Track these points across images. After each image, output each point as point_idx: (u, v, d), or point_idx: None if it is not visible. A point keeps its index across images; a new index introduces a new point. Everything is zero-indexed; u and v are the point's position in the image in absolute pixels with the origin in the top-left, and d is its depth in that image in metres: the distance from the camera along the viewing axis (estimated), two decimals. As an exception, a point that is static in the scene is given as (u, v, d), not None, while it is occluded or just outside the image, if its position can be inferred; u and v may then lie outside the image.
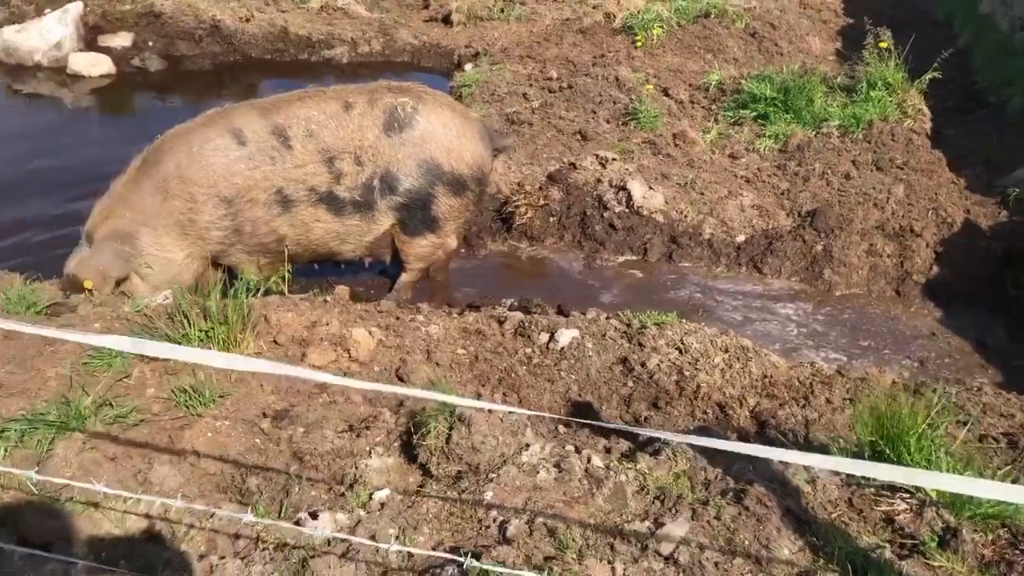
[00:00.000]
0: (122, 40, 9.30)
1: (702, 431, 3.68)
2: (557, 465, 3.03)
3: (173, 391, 3.46)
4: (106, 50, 9.13)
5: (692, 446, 3.23)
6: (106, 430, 3.17)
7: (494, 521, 2.76)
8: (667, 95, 8.09)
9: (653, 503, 2.90)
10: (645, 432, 2.94)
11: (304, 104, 4.66)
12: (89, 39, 9.23)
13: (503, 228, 6.32)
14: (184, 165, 4.51)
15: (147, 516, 2.69)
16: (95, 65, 8.84)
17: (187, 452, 3.13)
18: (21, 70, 8.97)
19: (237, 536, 2.66)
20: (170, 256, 4.68)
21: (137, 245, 4.60)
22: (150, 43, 9.40)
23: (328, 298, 4.68)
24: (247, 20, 9.78)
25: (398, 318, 4.43)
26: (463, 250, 6.10)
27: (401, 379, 3.88)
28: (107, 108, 8.73)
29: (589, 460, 3.08)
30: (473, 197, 5.08)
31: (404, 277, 5.32)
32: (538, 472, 2.98)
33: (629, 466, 3.07)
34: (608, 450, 3.32)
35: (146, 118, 8.44)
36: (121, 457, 3.07)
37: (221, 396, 3.46)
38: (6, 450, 2.93)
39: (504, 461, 3.04)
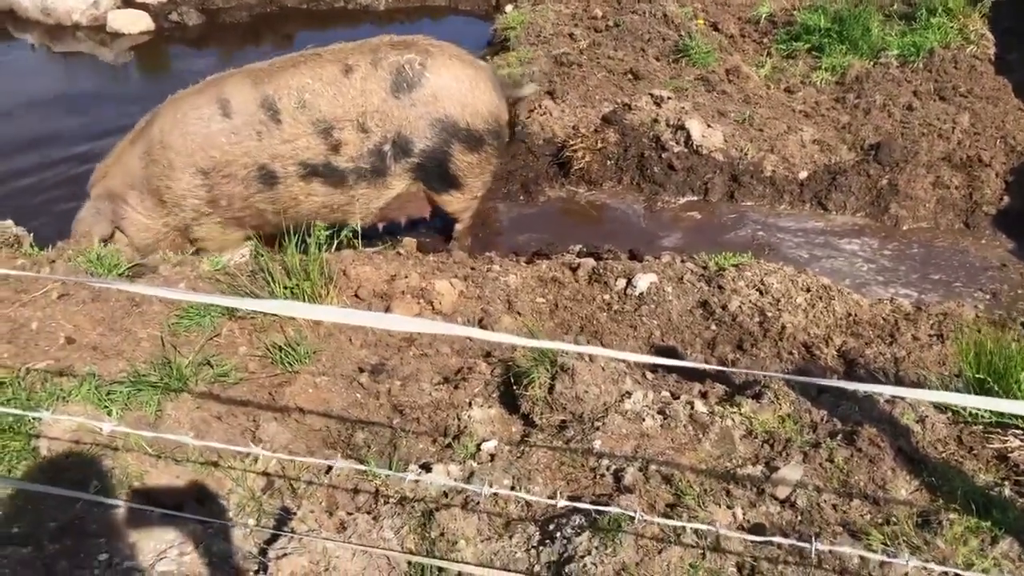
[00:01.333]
0: (158, -5, 9.22)
1: (793, 372, 3.65)
2: (661, 412, 3.02)
3: (267, 348, 3.48)
4: (143, 6, 9.04)
5: (790, 385, 3.21)
6: (209, 389, 3.20)
7: (607, 470, 2.77)
8: (717, 29, 7.89)
9: (762, 447, 2.90)
10: (755, 374, 2.90)
11: (299, 71, 4.38)
12: (126, -5, 9.15)
13: (560, 173, 6.25)
14: (167, 131, 4.38)
15: (266, 474, 2.72)
16: (134, 22, 8.77)
17: (290, 408, 3.16)
18: (60, 30, 8.91)
19: (356, 491, 2.68)
20: (149, 222, 4.57)
21: (123, 207, 4.52)
22: (187, -4, 9.32)
23: (400, 251, 4.67)
24: (282, -31, 9.63)
25: (474, 268, 4.41)
26: (521, 197, 6.06)
27: (486, 329, 3.88)
28: (147, 65, 8.68)
29: (692, 406, 3.07)
30: (493, 151, 4.84)
31: (457, 227, 5.26)
32: (643, 419, 2.98)
33: (732, 410, 3.05)
34: (704, 395, 3.31)
35: (185, 74, 8.39)
36: (227, 416, 3.10)
37: (315, 352, 3.47)
38: (118, 412, 2.97)
39: (607, 409, 3.03)
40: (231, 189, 4.46)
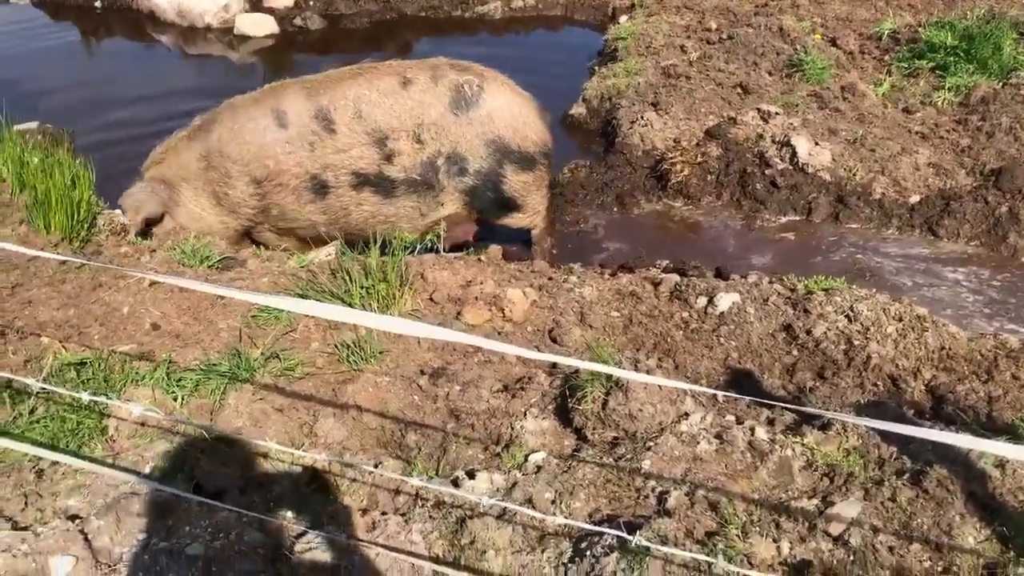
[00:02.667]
0: (284, 0, 9.58)
1: (873, 405, 3.47)
2: (718, 436, 2.92)
3: (336, 346, 3.56)
4: (270, 10, 9.44)
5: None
6: (274, 382, 3.29)
7: (652, 491, 2.69)
8: (835, 45, 7.61)
9: (821, 480, 2.75)
10: (826, 414, 2.76)
11: (356, 82, 4.46)
12: (255, 0, 9.56)
13: (657, 186, 6.14)
14: (225, 140, 4.51)
15: (313, 468, 2.77)
16: (259, 25, 9.16)
17: (350, 406, 3.21)
18: (193, 32, 9.42)
19: (398, 492, 2.70)
20: (204, 216, 4.70)
21: (176, 196, 4.68)
22: (311, 2, 9.65)
23: (482, 257, 4.69)
24: (403, -22, 9.88)
25: (551, 278, 4.39)
26: (615, 208, 5.99)
27: (554, 341, 3.85)
28: (270, 67, 9.05)
29: (752, 432, 2.95)
30: (543, 172, 4.85)
31: (534, 234, 5.25)
32: (698, 442, 2.89)
33: (795, 440, 2.92)
34: (771, 422, 3.17)
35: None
36: (288, 409, 3.18)
37: (381, 352, 3.52)
38: (183, 398, 3.09)
39: (662, 430, 2.95)
40: (282, 198, 4.57)
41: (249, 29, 9.12)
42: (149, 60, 8.93)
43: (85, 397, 2.17)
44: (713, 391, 2.10)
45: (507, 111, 4.59)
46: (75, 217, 4.33)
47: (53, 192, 4.26)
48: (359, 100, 4.42)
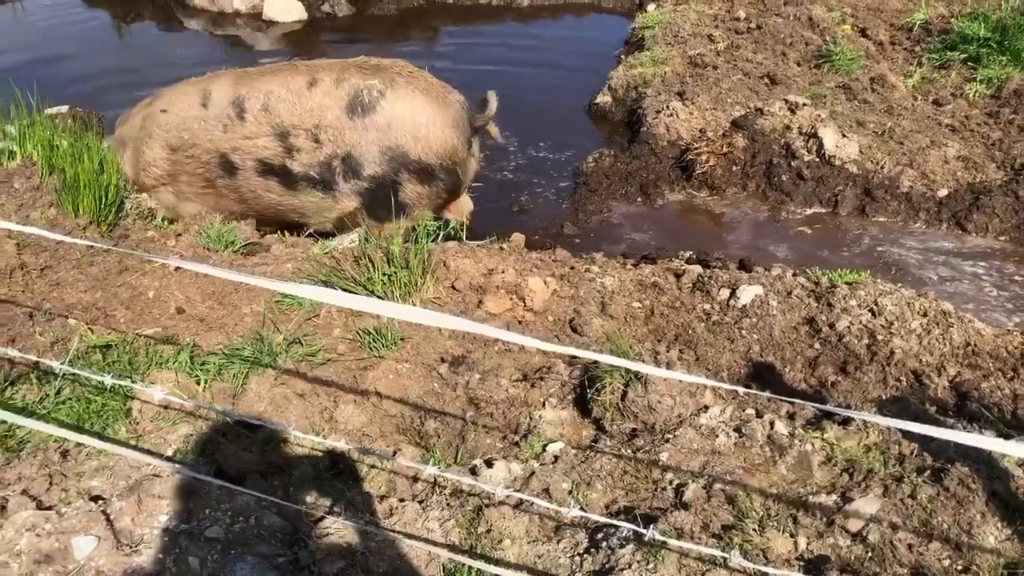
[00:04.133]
0: (313, -13, 9.62)
1: (895, 401, 3.44)
2: (737, 429, 2.91)
3: (358, 332, 3.58)
4: (298, -4, 9.47)
5: (885, 417, 3.02)
6: (296, 367, 3.32)
7: (670, 483, 2.69)
8: (865, 36, 7.52)
9: (841, 476, 2.74)
10: (841, 412, 2.75)
11: (274, 78, 4.64)
12: (283, -14, 9.59)
13: (682, 176, 6.12)
14: (160, 107, 4.83)
15: (332, 453, 2.79)
16: (288, 11, 9.19)
17: (370, 392, 3.23)
18: (222, 17, 9.46)
19: (415, 479, 2.72)
20: (127, 171, 4.91)
21: (123, 153, 4.95)
22: (338, -11, 9.67)
23: (504, 246, 4.69)
24: (430, -36, 9.86)
25: (572, 268, 4.39)
26: (639, 198, 5.96)
27: (575, 330, 3.84)
28: (297, 52, 9.07)
29: (772, 426, 2.94)
30: (444, 184, 4.75)
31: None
32: (717, 435, 2.88)
33: (815, 435, 2.91)
34: (792, 416, 3.16)
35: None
36: (309, 394, 3.21)
37: (402, 339, 3.54)
38: (206, 382, 3.12)
39: (681, 422, 2.95)
40: (192, 168, 4.79)
41: (277, 15, 9.15)
42: (178, 45, 8.98)
43: (108, 380, 2.20)
44: (732, 387, 2.09)
45: (408, 119, 4.54)
46: (103, 201, 4.38)
47: (82, 176, 4.31)
48: (269, 95, 4.58)
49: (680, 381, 2.99)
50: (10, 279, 3.89)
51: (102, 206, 4.38)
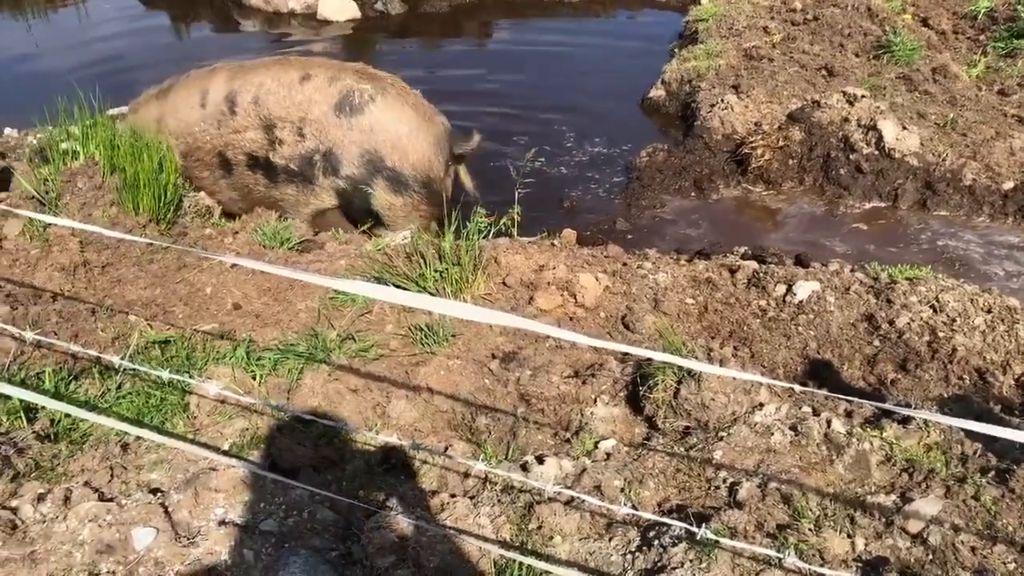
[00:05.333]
0: (366, -15, 9.70)
1: (958, 399, 3.34)
2: (793, 428, 2.86)
3: (410, 328, 3.60)
4: (352, -5, 9.56)
5: (947, 416, 2.94)
6: (349, 363, 3.35)
7: (724, 482, 2.65)
8: (926, 25, 7.34)
9: (900, 476, 2.67)
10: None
11: (266, 71, 4.71)
12: (337, -15, 9.68)
13: (737, 171, 6.03)
14: (168, 111, 4.94)
15: (385, 448, 2.81)
16: (341, 10, 9.28)
17: (421, 388, 3.25)
18: (277, 16, 9.60)
19: (467, 474, 2.72)
20: None
21: None
22: (391, -14, 9.74)
23: (556, 242, 4.67)
24: (483, -39, 9.87)
25: (625, 264, 4.35)
26: (693, 193, 5.89)
27: (627, 327, 3.82)
28: (352, 51, 9.16)
29: (829, 424, 2.88)
30: (416, 199, 4.74)
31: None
32: (772, 434, 2.83)
33: (874, 433, 2.84)
34: (849, 414, 3.09)
35: (387, 58, 8.79)
36: (362, 389, 3.23)
37: (454, 335, 3.55)
38: (261, 377, 3.16)
39: (735, 420, 2.90)
40: (200, 173, 4.91)
41: (331, 14, 9.25)
42: (235, 44, 9.12)
43: (165, 375, 2.25)
44: (787, 384, 2.05)
45: (391, 127, 4.59)
46: (162, 199, 4.47)
47: (142, 175, 4.41)
48: (260, 87, 4.66)
49: (734, 379, 2.95)
50: (74, 276, 3.99)
51: (161, 204, 4.47)
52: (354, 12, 9.30)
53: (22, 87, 7.93)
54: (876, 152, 5.77)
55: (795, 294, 4.04)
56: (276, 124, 4.66)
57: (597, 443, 2.91)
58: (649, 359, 3.46)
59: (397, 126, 4.60)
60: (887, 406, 2.46)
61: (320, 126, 4.60)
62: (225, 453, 2.67)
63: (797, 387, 2.25)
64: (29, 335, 2.48)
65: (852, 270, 4.33)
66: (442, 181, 4.73)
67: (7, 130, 6.26)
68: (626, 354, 3.58)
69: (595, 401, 3.12)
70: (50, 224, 4.33)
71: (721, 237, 5.34)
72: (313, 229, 4.81)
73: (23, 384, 3.10)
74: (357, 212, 4.83)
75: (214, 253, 3.75)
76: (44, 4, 10.60)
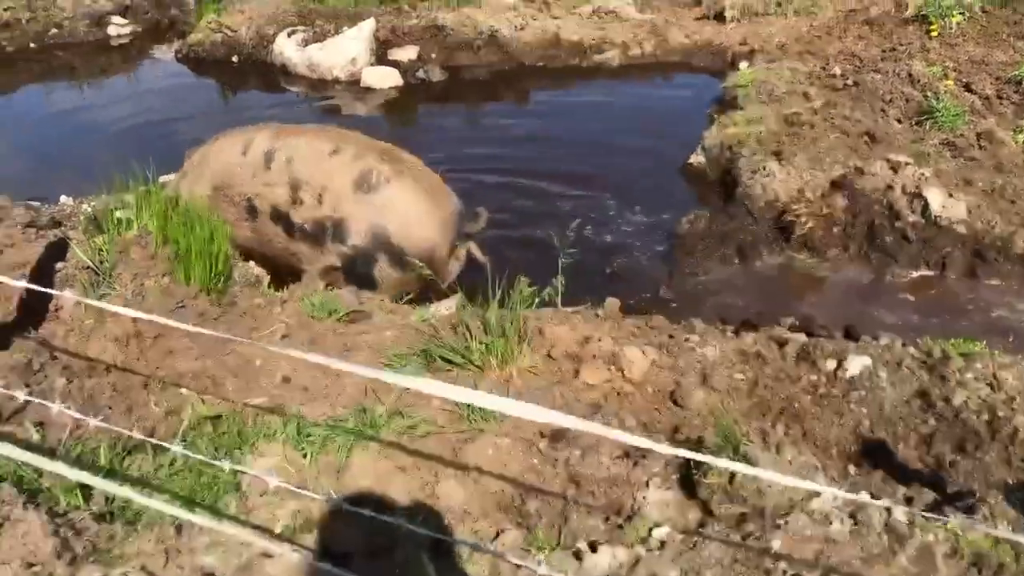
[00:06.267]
0: (408, 53, 9.90)
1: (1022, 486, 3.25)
2: (852, 516, 2.79)
3: (457, 404, 3.58)
4: (394, 63, 9.77)
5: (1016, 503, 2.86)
6: (397, 439, 3.34)
7: (783, 574, 2.59)
8: (969, 90, 7.31)
9: (968, 571, 2.59)
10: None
11: (304, 138, 5.18)
12: (380, 53, 9.91)
13: (780, 238, 6.01)
14: (212, 152, 5.49)
15: (434, 533, 2.78)
16: (384, 78, 9.48)
17: (470, 467, 3.22)
18: (322, 84, 9.83)
19: (519, 565, 2.68)
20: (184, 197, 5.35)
21: (183, 183, 5.58)
22: (432, 55, 9.94)
23: (599, 312, 4.66)
24: (522, 28, 10.07)
25: (671, 336, 4.32)
26: (736, 260, 5.87)
27: (676, 403, 3.77)
28: (393, 116, 9.33)
29: (889, 513, 2.81)
30: (416, 278, 4.93)
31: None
32: (831, 522, 2.76)
33: (937, 524, 2.76)
34: (909, 500, 3.02)
35: (428, 124, 8.95)
36: (410, 468, 3.22)
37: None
38: (312, 455, 3.17)
39: (792, 507, 2.84)
40: (227, 212, 5.26)
41: (375, 82, 9.45)
42: (281, 111, 9.33)
43: (227, 466, 2.25)
44: (847, 474, 2.01)
45: (401, 209, 4.93)
46: (213, 270, 4.54)
47: (194, 246, 4.49)
48: (296, 150, 5.12)
49: (790, 462, 2.89)
50: (127, 347, 4.05)
51: (212, 275, 4.54)
52: (396, 80, 9.50)
53: (77, 153, 8.17)
54: (922, 220, 5.73)
55: (846, 369, 3.97)
56: (301, 186, 5.04)
57: (651, 530, 2.86)
58: (700, 438, 3.43)
59: (407, 208, 4.92)
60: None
61: (337, 197, 4.96)
62: (278, 537, 2.66)
63: (852, 468, 2.20)
64: (93, 421, 2.51)
65: (903, 344, 4.26)
66: (443, 260, 5.04)
67: (63, 198, 6.42)
68: (676, 430, 3.54)
69: (647, 484, 3.08)
70: (105, 295, 4.42)
71: (766, 306, 5.31)
72: (359, 299, 4.84)
73: (79, 460, 3.14)
74: (356, 275, 5.16)
75: (269, 345, 3.78)
76: (98, 72, 10.96)
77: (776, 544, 2.69)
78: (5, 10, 11.20)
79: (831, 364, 4.04)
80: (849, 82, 7.63)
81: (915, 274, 5.62)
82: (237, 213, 5.30)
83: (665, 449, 1.86)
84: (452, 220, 5.02)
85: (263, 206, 5.21)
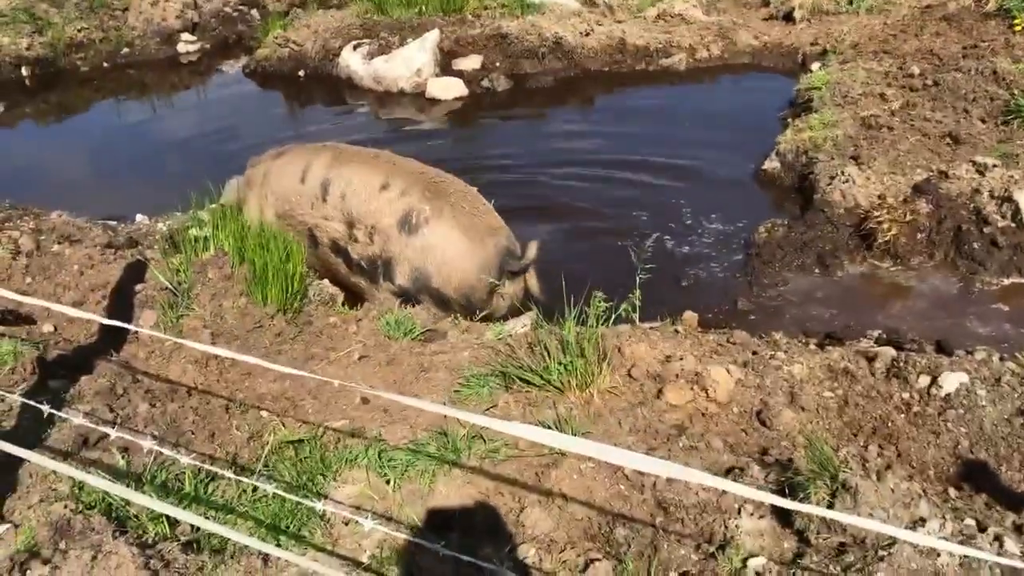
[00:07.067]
0: (472, 63, 9.87)
1: None
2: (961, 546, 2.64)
3: (539, 425, 3.52)
4: (458, 73, 9.74)
5: None
6: (479, 464, 3.29)
7: (891, 611, 2.46)
8: (1058, 86, 6.99)
9: (1091, 609, 2.43)
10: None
11: (357, 169, 5.05)
12: (444, 64, 9.90)
13: (862, 246, 5.80)
14: (273, 172, 5.41)
15: (525, 564, 2.73)
16: (449, 89, 9.47)
17: (554, 494, 3.16)
18: (388, 96, 9.84)
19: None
20: (255, 215, 5.43)
21: (247, 195, 5.55)
22: (497, 63, 9.88)
23: (679, 328, 4.55)
24: (587, 35, 9.96)
25: (756, 353, 4.20)
26: (816, 269, 5.70)
27: (763, 423, 3.66)
28: (458, 126, 9.32)
29: (1000, 543, 2.66)
30: (462, 312, 4.87)
31: None
32: (938, 554, 2.63)
33: (1053, 557, 2.60)
34: (1019, 528, 2.86)
35: (493, 132, 8.90)
36: (494, 494, 3.17)
37: (583, 433, 3.46)
38: (395, 482, 3.13)
39: (895, 538, 2.71)
40: (293, 236, 5.22)
41: (440, 93, 9.44)
42: (348, 123, 9.39)
43: (319, 507, 2.21)
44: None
45: (439, 250, 4.77)
46: (289, 290, 4.57)
47: (270, 266, 4.52)
48: (348, 185, 5.00)
49: (893, 491, 2.76)
50: (206, 369, 4.09)
51: (288, 295, 4.57)
52: (461, 90, 9.47)
53: (150, 170, 8.31)
54: (1013, 224, 5.48)
55: (941, 386, 3.80)
56: (355, 223, 4.98)
57: (745, 560, 2.76)
58: (791, 460, 3.31)
59: (445, 250, 4.78)
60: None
61: (385, 236, 4.90)
62: (366, 569, 2.63)
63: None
64: (185, 459, 2.51)
65: (1001, 359, 4.07)
66: (482, 301, 4.85)
67: (138, 217, 6.53)
68: (765, 452, 3.43)
69: (739, 511, 2.97)
70: (183, 316, 4.48)
71: (849, 317, 5.13)
72: (433, 318, 4.82)
73: (164, 486, 3.16)
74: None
75: (348, 384, 3.76)
76: (168, 89, 11.19)
77: (881, 578, 2.57)
78: (79, 31, 11.50)
79: (924, 381, 3.88)
80: (928, 82, 7.37)
81: (1006, 281, 5.37)
82: (299, 238, 5.26)
83: (765, 497, 1.77)
84: (494, 260, 4.77)
85: (323, 238, 5.18)
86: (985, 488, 3.33)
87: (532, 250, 4.80)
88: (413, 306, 4.88)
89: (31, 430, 3.42)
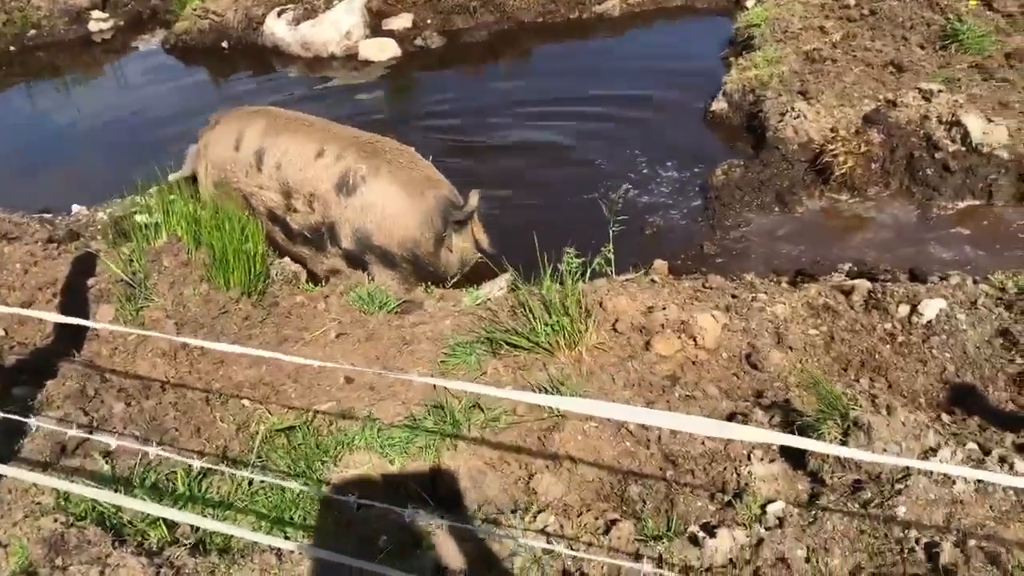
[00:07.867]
0: (403, 22, 9.61)
1: None
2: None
3: (533, 389, 3.45)
4: (389, 33, 9.48)
5: None
6: (480, 434, 3.21)
7: (917, 543, 2.48)
8: (991, 8, 7.09)
9: (1107, 519, 2.48)
10: None
11: (291, 138, 4.99)
12: (374, 25, 9.61)
13: (818, 180, 5.84)
14: (211, 141, 5.40)
15: (544, 532, 2.67)
16: (382, 49, 9.21)
17: (561, 456, 3.10)
18: (318, 62, 9.52)
19: (638, 555, 2.57)
20: (206, 184, 5.44)
21: (198, 163, 5.52)
22: (428, 21, 9.65)
23: (655, 278, 4.51)
24: (517, -15, 9.77)
25: (735, 296, 4.18)
26: (776, 207, 5.71)
27: (754, 366, 3.65)
28: (393, 87, 9.06)
29: (1011, 465, 2.70)
30: (408, 272, 4.84)
31: None
32: (954, 482, 2.65)
33: (1063, 473, 2.65)
34: (1021, 448, 2.90)
35: (429, 91, 8.68)
36: (499, 463, 3.10)
37: (580, 393, 3.40)
38: (399, 461, 3.04)
39: (909, 470, 2.72)
40: (230, 206, 5.02)
41: (372, 54, 9.18)
42: (280, 92, 9.05)
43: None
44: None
45: (378, 207, 4.71)
46: (252, 271, 4.38)
47: (230, 248, 4.33)
48: (284, 154, 4.97)
49: (904, 424, 2.77)
50: (175, 360, 3.91)
51: (251, 277, 4.39)
52: (395, 51, 9.22)
53: (72, 158, 7.92)
54: (963, 148, 5.56)
55: (922, 314, 3.85)
56: (292, 193, 4.93)
57: (764, 506, 2.74)
58: (787, 401, 3.31)
59: (384, 206, 4.71)
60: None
61: (324, 202, 4.84)
62: (383, 552, 2.54)
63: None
64: (200, 464, 2.37)
65: (975, 281, 4.14)
66: (430, 254, 4.77)
67: (75, 207, 6.22)
68: (759, 395, 3.42)
69: (749, 457, 2.96)
70: (143, 307, 4.27)
71: (815, 253, 5.17)
72: (405, 287, 4.70)
73: (155, 487, 3.01)
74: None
75: (335, 366, 3.62)
76: (82, 70, 10.66)
77: (901, 511, 2.58)
78: (-22, 15, 10.87)
79: (904, 310, 3.92)
80: (865, 11, 7.41)
81: (961, 205, 5.46)
82: (237, 205, 5.12)
83: (793, 440, 1.72)
84: (436, 212, 4.69)
85: (259, 207, 5.11)
86: (976, 411, 3.38)
87: (474, 199, 4.73)
88: (364, 272, 4.77)
89: (1, 442, 3.22)
